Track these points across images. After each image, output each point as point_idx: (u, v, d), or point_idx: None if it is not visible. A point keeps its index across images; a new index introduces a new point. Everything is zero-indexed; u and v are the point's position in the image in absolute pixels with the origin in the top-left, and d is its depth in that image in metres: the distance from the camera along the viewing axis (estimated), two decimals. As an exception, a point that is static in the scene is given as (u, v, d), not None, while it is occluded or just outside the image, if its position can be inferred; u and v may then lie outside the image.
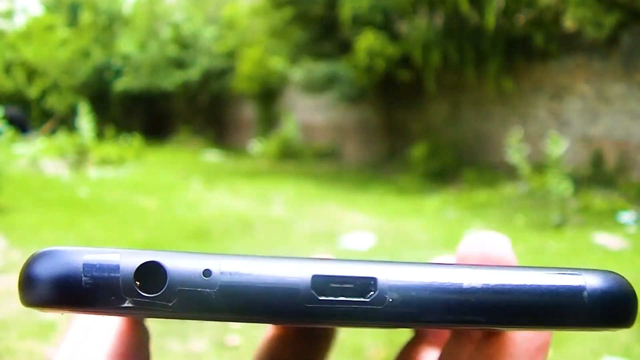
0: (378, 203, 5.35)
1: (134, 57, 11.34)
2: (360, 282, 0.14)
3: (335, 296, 0.14)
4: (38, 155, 6.58)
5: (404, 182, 6.34)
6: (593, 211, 4.53)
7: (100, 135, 8.57)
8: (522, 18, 6.23)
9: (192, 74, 10.70)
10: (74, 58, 12.54)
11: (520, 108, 6.36)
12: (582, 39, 5.61)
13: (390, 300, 0.14)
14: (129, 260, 0.14)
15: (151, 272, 0.14)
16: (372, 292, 0.14)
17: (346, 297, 0.14)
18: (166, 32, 10.89)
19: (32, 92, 13.15)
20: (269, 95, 9.85)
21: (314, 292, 0.14)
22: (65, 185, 5.65)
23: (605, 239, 3.75)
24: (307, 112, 9.38)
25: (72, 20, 14.11)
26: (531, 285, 0.15)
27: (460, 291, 0.15)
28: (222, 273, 0.14)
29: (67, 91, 12.38)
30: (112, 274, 0.14)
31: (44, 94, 12.93)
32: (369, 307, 0.14)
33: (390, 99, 7.66)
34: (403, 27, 7.06)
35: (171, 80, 10.84)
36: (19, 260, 3.09)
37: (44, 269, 0.14)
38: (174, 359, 2.10)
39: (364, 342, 2.23)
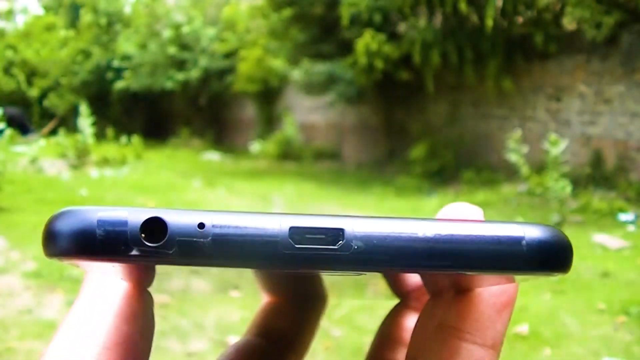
0: (377, 203, 5.35)
1: (135, 58, 11.35)
2: (331, 232, 0.17)
3: (309, 244, 0.17)
4: (38, 155, 6.58)
5: (403, 182, 6.34)
6: (592, 211, 4.53)
7: (100, 135, 8.57)
8: (521, 18, 6.23)
9: (192, 74, 10.70)
10: (74, 58, 12.55)
11: (519, 108, 6.36)
12: (582, 39, 5.61)
13: (356, 247, 0.17)
14: (135, 216, 0.17)
15: (155, 226, 0.16)
16: (340, 241, 0.17)
17: (318, 245, 0.17)
18: (166, 33, 10.89)
19: (32, 92, 13.15)
20: (269, 95, 9.85)
21: (291, 241, 0.17)
22: (66, 185, 5.66)
23: (604, 238, 3.75)
24: (307, 112, 9.38)
25: (72, 20, 14.11)
26: (477, 235, 0.17)
27: (415, 240, 0.17)
28: (213, 226, 0.17)
29: (68, 91, 12.38)
30: (122, 228, 0.16)
31: (44, 94, 12.93)
32: (337, 253, 0.17)
33: (390, 99, 7.66)
34: (402, 27, 7.06)
35: (171, 81, 10.85)
36: (19, 260, 3.09)
37: (64, 225, 0.17)
38: (174, 359, 2.10)
39: (364, 341, 2.24)
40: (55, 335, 0.23)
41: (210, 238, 0.16)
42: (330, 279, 0.30)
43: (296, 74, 7.73)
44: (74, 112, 10.02)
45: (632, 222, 4.24)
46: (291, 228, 0.17)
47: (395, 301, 0.33)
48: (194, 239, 0.16)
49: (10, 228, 3.80)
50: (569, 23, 6.01)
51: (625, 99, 5.38)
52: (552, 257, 0.17)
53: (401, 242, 0.17)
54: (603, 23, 5.20)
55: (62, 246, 0.16)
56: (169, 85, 10.88)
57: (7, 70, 13.41)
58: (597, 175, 5.41)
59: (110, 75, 12.06)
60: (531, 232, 0.17)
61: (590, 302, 2.66)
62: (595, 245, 3.66)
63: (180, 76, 10.79)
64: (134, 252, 0.16)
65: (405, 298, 0.32)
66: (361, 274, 0.19)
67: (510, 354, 2.17)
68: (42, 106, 12.94)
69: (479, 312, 0.22)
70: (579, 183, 5.13)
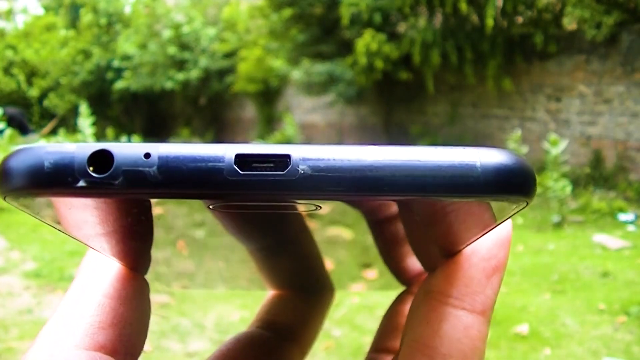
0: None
1: (135, 58, 11.34)
2: (277, 159, 0.17)
3: (255, 171, 0.17)
4: (38, 155, 6.56)
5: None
6: (592, 211, 4.53)
7: (100, 135, 8.57)
8: (521, 18, 6.23)
9: (193, 74, 10.69)
10: (74, 58, 12.54)
11: (519, 108, 6.36)
12: (582, 39, 5.61)
13: (302, 172, 0.16)
14: (83, 149, 0.17)
15: (102, 160, 0.16)
16: (287, 167, 0.17)
17: (265, 171, 0.17)
18: (166, 33, 10.89)
19: (32, 92, 13.15)
20: (269, 95, 9.85)
21: (236, 168, 0.16)
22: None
23: (604, 238, 3.75)
24: (307, 112, 9.38)
25: (72, 20, 14.11)
26: (431, 160, 0.17)
27: (364, 165, 0.17)
28: (159, 156, 0.16)
29: (68, 91, 12.38)
30: (69, 160, 0.16)
31: (44, 94, 12.93)
32: (283, 178, 0.16)
33: (390, 99, 7.67)
34: (402, 27, 7.06)
35: (171, 81, 10.85)
36: (19, 260, 3.10)
37: (15, 162, 0.17)
38: (174, 359, 2.10)
39: (365, 341, 2.24)
40: (51, 316, 0.23)
41: (155, 167, 0.16)
42: (333, 267, 0.30)
43: (296, 74, 7.73)
44: (74, 112, 10.02)
45: (632, 222, 4.24)
46: (237, 155, 0.17)
47: (399, 290, 0.32)
48: (140, 169, 0.16)
49: (10, 228, 3.80)
50: (568, 23, 6.01)
51: (625, 99, 5.38)
52: (509, 180, 0.17)
53: (349, 167, 0.16)
54: (603, 23, 5.20)
55: (13, 182, 0.16)
56: (169, 85, 10.88)
57: (7, 70, 13.41)
58: (597, 175, 5.41)
59: (110, 75, 12.05)
60: (486, 156, 0.17)
61: (590, 302, 2.66)
62: (595, 245, 3.66)
63: (180, 76, 10.78)
64: (81, 184, 0.16)
65: (409, 285, 0.31)
66: (313, 206, 0.18)
67: (510, 354, 2.17)
68: (42, 106, 12.94)
69: (468, 277, 0.21)
70: (579, 183, 5.13)
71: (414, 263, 0.28)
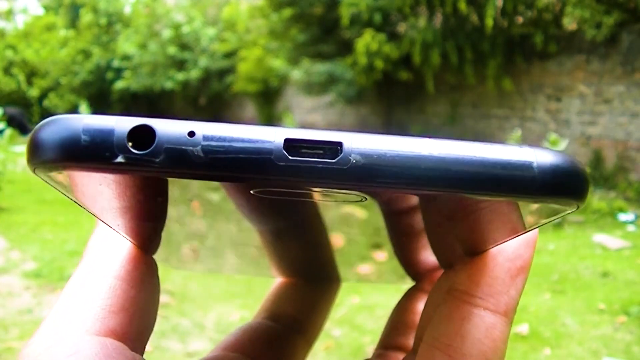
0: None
1: (135, 58, 11.35)
2: (328, 146, 0.16)
3: (304, 157, 0.16)
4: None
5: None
6: (592, 211, 4.53)
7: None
8: (521, 18, 6.23)
9: (193, 74, 10.70)
10: (74, 58, 12.55)
11: (519, 108, 6.36)
12: (582, 39, 5.62)
13: (354, 161, 0.16)
14: (123, 123, 0.16)
15: (144, 135, 0.15)
16: (338, 155, 0.16)
17: (315, 158, 0.16)
18: (166, 33, 10.89)
19: (32, 92, 13.15)
20: (269, 95, 9.85)
21: (285, 153, 0.16)
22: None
23: (604, 238, 3.75)
24: (307, 112, 9.38)
25: (72, 20, 14.11)
26: (486, 157, 0.16)
27: (418, 158, 0.16)
28: (204, 135, 0.16)
29: (68, 91, 12.38)
30: (108, 134, 0.15)
31: (44, 94, 12.93)
32: (334, 167, 0.16)
33: (390, 99, 7.67)
34: (402, 27, 7.06)
35: (171, 81, 10.85)
36: (19, 260, 3.10)
37: (49, 133, 0.16)
38: (174, 359, 2.10)
39: (364, 341, 2.24)
40: (59, 298, 0.21)
41: (200, 147, 0.15)
42: (340, 256, 0.29)
43: (296, 74, 7.73)
44: (74, 112, 10.01)
45: (632, 222, 4.25)
46: (286, 140, 0.16)
47: (409, 284, 0.31)
48: (183, 147, 0.15)
49: (10, 228, 3.80)
50: (568, 23, 6.01)
51: (625, 99, 5.38)
52: (565, 182, 0.16)
53: (403, 159, 0.16)
54: (603, 23, 5.20)
55: (46, 154, 0.16)
56: (169, 85, 10.88)
57: (7, 70, 13.42)
58: (597, 175, 5.41)
59: (110, 75, 12.06)
60: (543, 156, 0.16)
61: (590, 302, 2.66)
62: (595, 245, 3.66)
63: (180, 76, 10.79)
64: (119, 159, 0.15)
65: (419, 280, 0.30)
66: (359, 197, 0.18)
67: (510, 354, 2.17)
68: (42, 106, 12.95)
69: (493, 277, 0.21)
70: (579, 183, 5.11)
71: (426, 257, 0.27)
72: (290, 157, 0.16)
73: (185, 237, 0.27)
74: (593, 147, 5.62)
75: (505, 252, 0.21)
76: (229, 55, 10.50)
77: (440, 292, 0.22)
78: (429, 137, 0.17)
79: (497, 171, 0.16)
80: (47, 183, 0.18)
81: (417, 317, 0.28)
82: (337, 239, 0.26)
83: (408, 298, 0.30)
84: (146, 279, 0.22)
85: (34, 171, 0.16)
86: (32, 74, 13.43)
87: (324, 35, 7.62)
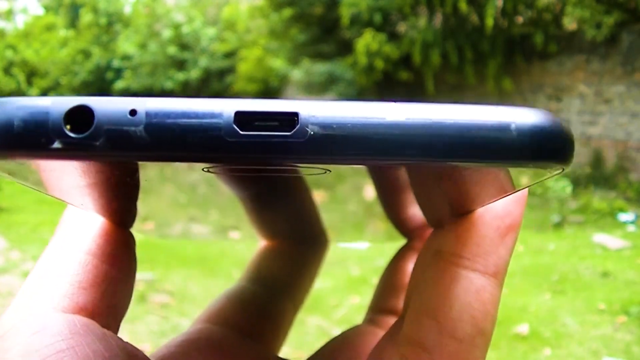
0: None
1: (135, 58, 11.35)
2: (283, 117, 0.14)
3: (258, 131, 0.14)
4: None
5: (403, 182, 6.34)
6: (592, 211, 4.53)
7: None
8: (521, 18, 6.23)
9: (193, 74, 10.70)
10: (74, 58, 12.55)
11: (519, 108, 6.36)
12: (582, 39, 5.61)
13: (312, 133, 0.14)
14: (58, 104, 0.14)
15: (81, 117, 0.14)
16: (295, 127, 0.14)
17: (269, 132, 0.14)
18: (166, 33, 10.89)
19: (32, 92, 13.15)
20: (269, 95, 9.85)
21: (236, 127, 0.14)
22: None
23: (604, 238, 3.75)
24: (307, 112, 9.38)
25: (72, 20, 14.11)
26: (458, 120, 0.14)
27: (383, 125, 0.14)
28: (147, 112, 0.14)
29: (68, 91, 12.38)
30: (42, 117, 0.14)
31: (44, 94, 12.93)
32: (291, 140, 0.14)
33: (390, 99, 7.66)
34: (402, 27, 7.06)
35: (171, 81, 10.85)
36: (19, 260, 3.10)
37: None
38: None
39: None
40: (29, 275, 0.21)
41: (142, 126, 0.14)
42: (325, 215, 0.27)
43: (296, 74, 7.73)
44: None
45: (632, 222, 4.24)
46: (237, 113, 0.14)
47: (399, 243, 0.30)
48: (124, 128, 0.14)
49: (10, 228, 3.80)
50: (569, 23, 6.01)
51: (625, 99, 5.38)
52: (548, 145, 0.15)
53: (366, 127, 0.14)
54: (603, 23, 5.20)
55: None
56: (169, 85, 10.88)
57: (7, 70, 13.42)
58: (597, 175, 5.41)
59: (110, 75, 12.06)
60: (522, 116, 0.15)
61: (590, 302, 2.66)
62: (595, 245, 3.66)
63: (180, 76, 10.78)
64: (56, 145, 0.14)
65: (411, 238, 0.29)
66: (322, 170, 0.17)
67: (510, 354, 2.17)
68: (42, 106, 12.93)
69: (481, 236, 0.20)
70: (579, 183, 5.13)
71: (416, 213, 0.25)
72: (241, 132, 0.14)
73: (161, 205, 0.25)
74: (593, 147, 5.62)
75: (494, 210, 0.20)
76: (229, 55, 10.50)
77: (429, 254, 0.21)
78: (396, 100, 0.15)
79: (471, 136, 0.14)
80: None
81: (407, 278, 0.27)
82: (319, 198, 0.24)
83: (399, 258, 0.29)
84: (120, 254, 0.21)
85: None
86: (32, 74, 13.43)
87: (324, 35, 7.62)
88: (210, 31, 10.83)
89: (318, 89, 7.67)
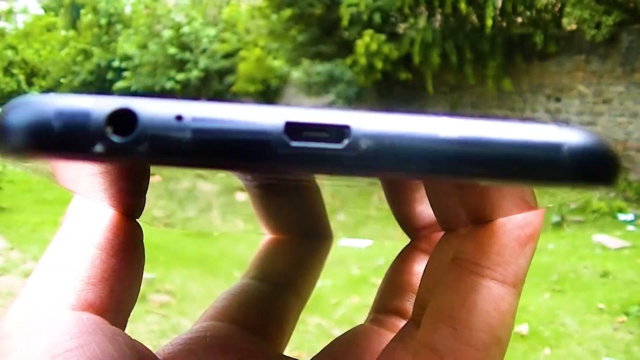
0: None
1: (135, 58, 11.35)
2: (334, 129, 0.14)
3: (308, 142, 0.14)
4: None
5: (403, 182, 6.34)
6: (592, 211, 4.53)
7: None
8: (520, 18, 6.24)
9: (193, 74, 10.70)
10: (75, 58, 12.55)
11: (519, 108, 6.37)
12: (581, 39, 5.62)
13: (364, 147, 0.14)
14: (101, 105, 0.14)
15: (125, 119, 0.14)
16: (346, 139, 0.14)
17: (319, 143, 0.14)
18: (166, 33, 10.90)
19: (33, 92, 13.15)
20: (269, 95, 9.85)
21: (286, 138, 0.14)
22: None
23: (604, 238, 3.76)
24: (306, 112, 9.39)
25: (72, 20, 14.12)
26: (510, 138, 0.14)
27: (436, 141, 0.14)
28: (194, 118, 0.14)
29: (68, 91, 12.36)
30: (84, 119, 0.14)
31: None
32: (342, 153, 0.14)
33: (390, 99, 7.67)
34: (402, 27, 7.07)
35: (172, 81, 10.85)
36: (19, 260, 3.10)
37: (17, 118, 0.14)
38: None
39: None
40: (34, 270, 0.20)
41: (189, 133, 0.13)
42: (331, 212, 0.27)
43: (296, 74, 7.73)
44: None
45: (631, 222, 4.25)
46: (287, 123, 0.14)
47: (404, 242, 0.30)
48: (170, 134, 0.13)
49: (10, 228, 3.80)
50: (568, 23, 6.01)
51: (624, 99, 5.39)
52: (598, 166, 0.14)
53: (418, 143, 0.14)
54: (602, 23, 5.20)
55: (14, 143, 0.14)
56: (169, 85, 10.88)
57: (7, 70, 13.42)
58: (596, 175, 5.41)
59: (110, 75, 12.06)
60: (574, 137, 0.14)
61: (590, 302, 2.66)
62: (595, 245, 3.66)
63: (180, 76, 10.79)
64: (98, 149, 0.13)
65: (415, 238, 0.29)
66: (365, 182, 0.16)
67: (510, 353, 2.17)
68: (42, 106, 12.93)
69: (501, 245, 0.20)
70: (578, 183, 5.11)
71: (422, 213, 0.25)
72: (291, 143, 0.14)
73: (172, 198, 0.25)
74: (593, 147, 5.62)
75: (514, 218, 0.20)
76: (229, 55, 10.50)
77: (442, 258, 0.21)
78: (445, 115, 0.15)
79: (523, 155, 0.14)
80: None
81: (414, 278, 0.27)
82: (328, 197, 0.24)
83: (404, 258, 0.28)
84: (129, 247, 0.21)
85: (2, 157, 0.15)
86: (32, 74, 13.43)
87: (324, 36, 7.62)
88: (211, 31, 10.84)
89: (318, 89, 7.67)
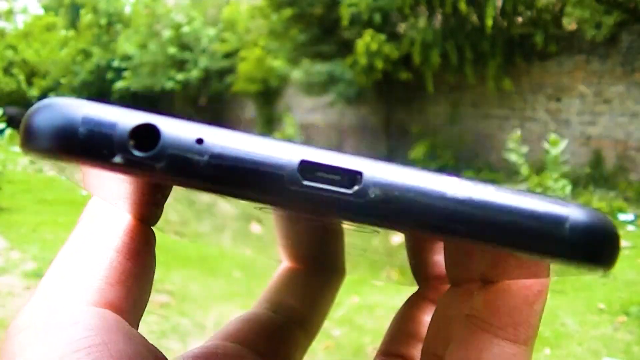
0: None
1: (135, 58, 11.35)
2: (347, 174, 0.14)
3: (319, 183, 0.14)
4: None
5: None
6: (592, 211, 4.53)
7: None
8: (520, 18, 6.24)
9: (193, 74, 10.70)
10: (74, 58, 12.56)
11: (519, 108, 6.37)
12: (581, 39, 5.62)
13: (373, 195, 0.14)
14: (126, 119, 0.14)
15: (148, 135, 0.14)
16: (356, 186, 0.14)
17: (330, 186, 0.14)
18: (166, 33, 10.90)
19: (32, 92, 13.15)
20: (269, 95, 9.85)
21: (299, 176, 0.14)
22: (66, 185, 5.66)
23: (604, 238, 3.75)
24: (307, 112, 9.38)
25: (72, 20, 14.12)
26: (515, 205, 0.14)
27: (443, 199, 0.14)
28: (214, 144, 0.14)
29: (68, 91, 12.38)
30: (109, 130, 0.14)
31: (44, 94, 12.93)
32: (351, 199, 0.14)
33: (390, 99, 7.67)
34: (402, 27, 7.07)
35: (172, 81, 10.85)
36: (19, 260, 3.10)
37: (46, 119, 0.14)
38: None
39: (364, 341, 2.24)
40: (50, 268, 0.20)
41: (207, 157, 0.14)
42: (348, 249, 0.28)
43: (296, 74, 7.74)
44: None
45: (632, 222, 4.25)
46: (302, 162, 0.14)
47: (412, 289, 0.30)
48: (189, 155, 0.14)
49: (10, 228, 3.80)
50: (568, 23, 6.01)
51: (625, 99, 5.39)
52: (598, 246, 0.14)
53: (426, 198, 0.14)
54: (603, 23, 5.20)
55: (39, 142, 0.14)
56: (169, 85, 10.88)
57: (7, 70, 13.42)
58: (596, 175, 5.41)
59: (110, 75, 12.06)
60: (577, 214, 0.14)
61: (590, 302, 2.66)
62: (595, 245, 3.66)
63: (180, 76, 10.79)
64: (118, 160, 0.14)
65: (423, 287, 0.30)
66: (372, 230, 0.17)
67: (510, 353, 2.17)
68: (42, 106, 12.93)
69: (511, 306, 0.20)
70: (578, 183, 5.13)
71: (433, 264, 0.26)
72: (303, 182, 0.14)
73: (188, 211, 0.25)
74: (593, 147, 5.62)
75: (521, 279, 0.21)
76: (229, 55, 10.50)
77: (452, 311, 0.22)
78: (454, 175, 0.15)
79: (525, 225, 0.14)
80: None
81: (420, 327, 0.28)
82: (342, 235, 0.25)
83: (411, 305, 0.29)
84: (143, 252, 0.21)
85: (27, 154, 0.15)
86: (32, 74, 13.43)
87: (324, 36, 7.62)
88: (211, 31, 10.84)
89: (318, 89, 7.67)
